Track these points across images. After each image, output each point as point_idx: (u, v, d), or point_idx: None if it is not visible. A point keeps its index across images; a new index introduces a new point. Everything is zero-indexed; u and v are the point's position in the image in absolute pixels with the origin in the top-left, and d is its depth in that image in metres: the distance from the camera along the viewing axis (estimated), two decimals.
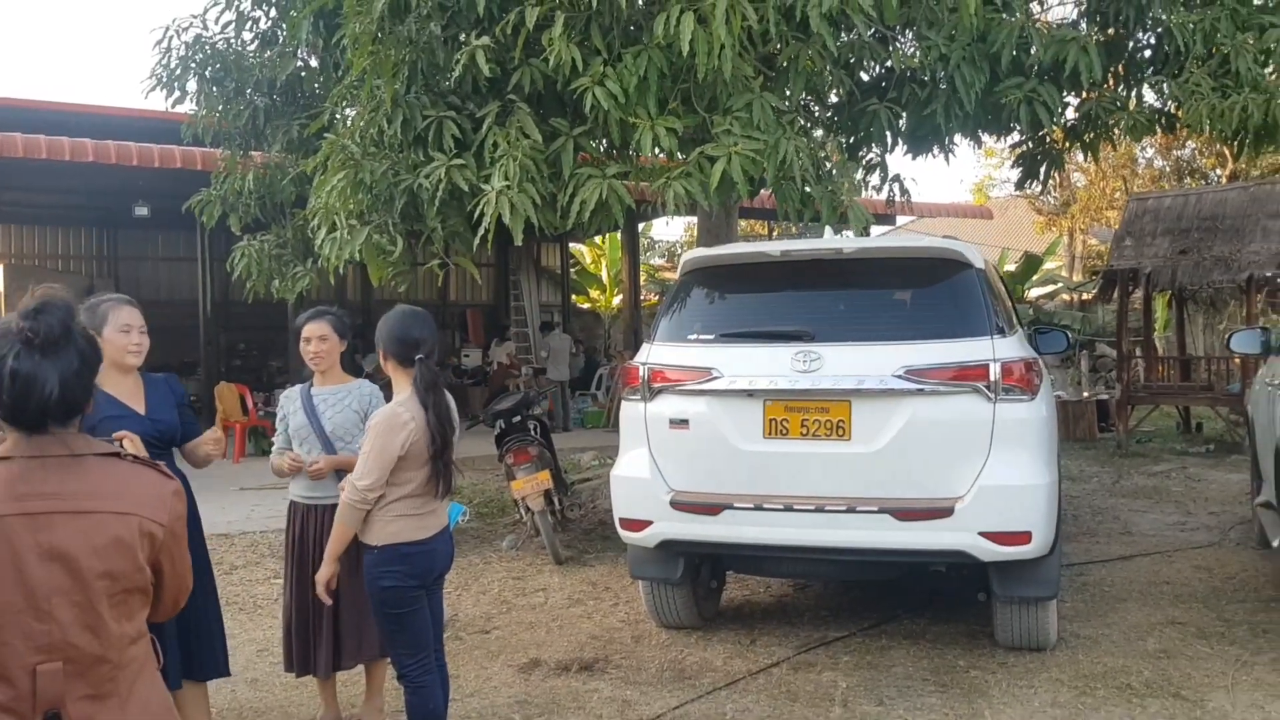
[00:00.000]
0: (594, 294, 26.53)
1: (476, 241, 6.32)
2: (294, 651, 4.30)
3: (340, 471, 4.21)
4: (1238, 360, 13.35)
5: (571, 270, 22.93)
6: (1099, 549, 7.49)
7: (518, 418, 8.34)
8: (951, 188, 48.39)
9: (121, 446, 2.49)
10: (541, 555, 7.68)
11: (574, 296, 23.47)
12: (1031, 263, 24.23)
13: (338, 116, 7.41)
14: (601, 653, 5.43)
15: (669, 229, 52.12)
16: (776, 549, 4.93)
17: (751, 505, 4.82)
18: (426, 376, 3.69)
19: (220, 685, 4.74)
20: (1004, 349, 4.71)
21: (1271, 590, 6.09)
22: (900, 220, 20.23)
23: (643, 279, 23.53)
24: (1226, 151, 21.10)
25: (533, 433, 8.34)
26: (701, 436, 4.98)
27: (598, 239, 24.54)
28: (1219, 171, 25.73)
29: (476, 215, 6.11)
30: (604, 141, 6.64)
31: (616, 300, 25.39)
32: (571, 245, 22.93)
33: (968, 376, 4.65)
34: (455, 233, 7.27)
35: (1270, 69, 7.46)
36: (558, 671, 5.18)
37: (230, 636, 4.45)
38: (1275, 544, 5.67)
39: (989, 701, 4.57)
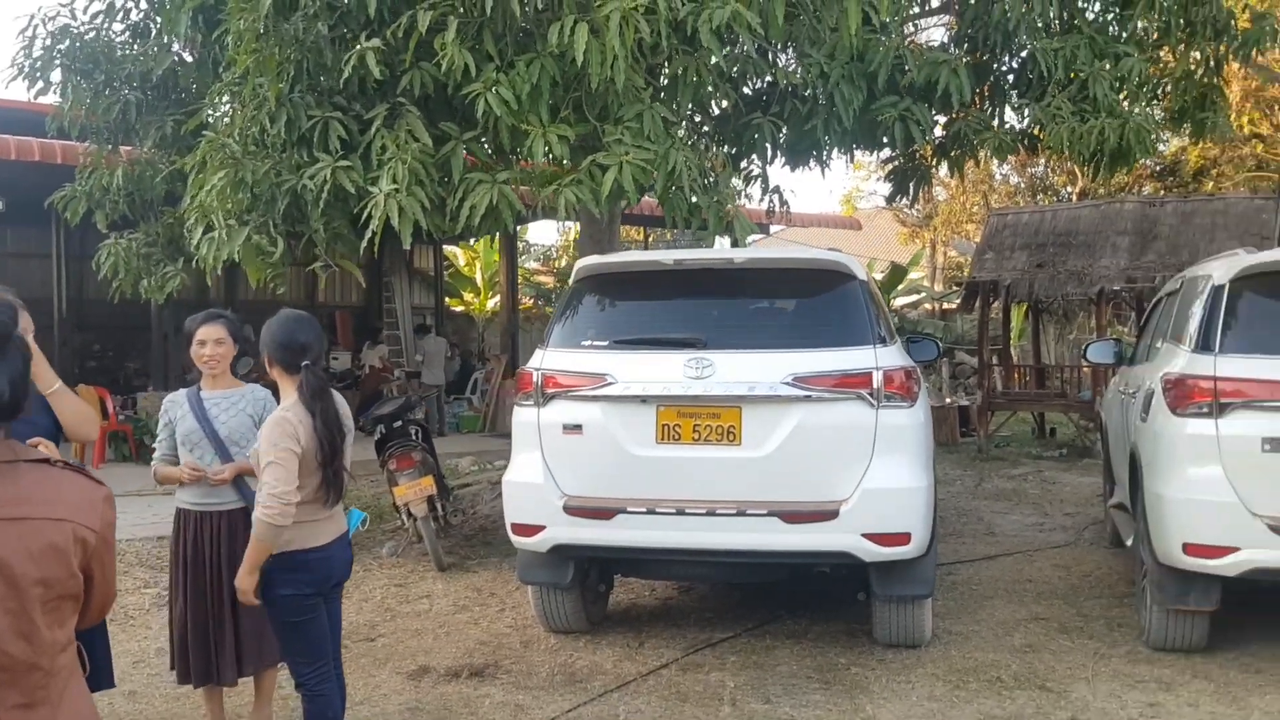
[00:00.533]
0: (468, 297, 26.29)
1: (364, 244, 6.25)
2: (192, 662, 4.19)
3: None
4: (1087, 368, 14.11)
5: (445, 273, 22.68)
6: (966, 549, 7.83)
7: (399, 422, 8.24)
8: (820, 198, 49.78)
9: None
10: (423, 562, 7.61)
11: (447, 299, 23.21)
12: (897, 273, 25.06)
13: (216, 114, 7.22)
14: (491, 658, 5.43)
15: (543, 233, 52.01)
16: (669, 552, 5.04)
17: (644, 509, 4.91)
18: (313, 383, 3.63)
19: (97, 699, 4.57)
20: (886, 358, 4.92)
21: (1124, 587, 6.48)
22: (774, 229, 20.71)
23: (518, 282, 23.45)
24: (1077, 170, 22.27)
25: (414, 438, 8.26)
26: (595, 442, 5.04)
27: (472, 241, 24.37)
28: (1069, 189, 27.09)
29: (363, 218, 6.05)
30: (493, 146, 6.64)
31: (491, 303, 25.23)
32: (445, 247, 22.68)
33: (852, 384, 4.84)
34: (338, 235, 7.18)
35: (1124, 95, 7.95)
36: (448, 678, 5.16)
37: None
38: (1128, 542, 6.03)
39: (870, 697, 4.75)
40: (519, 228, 22.67)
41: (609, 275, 5.56)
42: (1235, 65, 9.51)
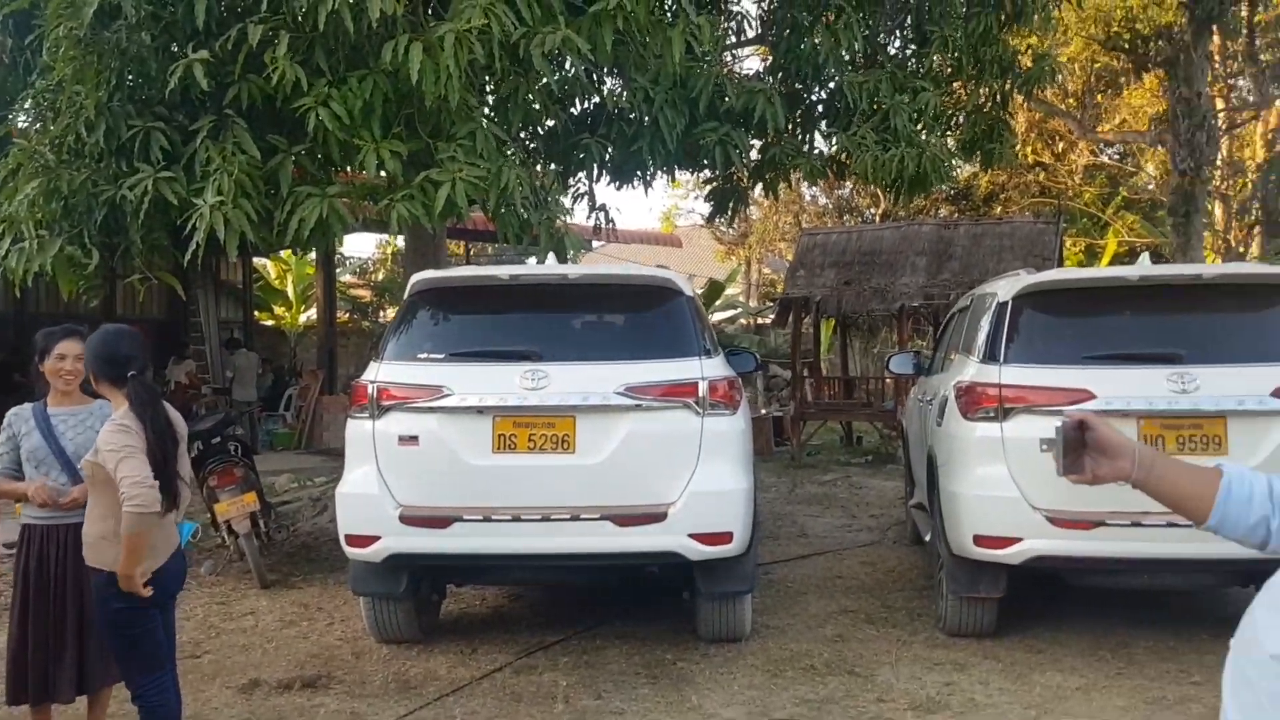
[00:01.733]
0: (279, 310, 25.53)
1: (187, 257, 6.15)
2: (30, 680, 4.05)
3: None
4: (891, 380, 15.00)
5: (255, 285, 21.96)
6: (781, 550, 8.26)
7: (217, 438, 8.07)
8: (641, 215, 50.75)
9: None
10: (245, 579, 7.49)
11: (257, 313, 22.48)
12: (715, 288, 25.81)
13: (27, 122, 6.95)
14: (323, 669, 5.44)
15: (360, 245, 50.86)
16: (505, 558, 5.20)
17: (481, 517, 5.04)
18: (142, 393, 3.64)
19: None
20: (710, 369, 5.23)
21: (924, 580, 7.01)
22: (595, 245, 21.03)
23: None
24: (880, 193, 23.56)
25: (234, 454, 8.10)
26: (431, 452, 5.15)
27: (283, 253, 23.70)
28: (873, 210, 28.54)
29: (187, 230, 5.97)
30: (323, 160, 6.64)
31: (304, 317, 24.61)
32: (255, 259, 21.98)
33: (680, 393, 5.13)
34: (157, 247, 7.02)
35: (922, 126, 8.60)
36: (280, 690, 5.15)
37: None
38: (927, 539, 6.54)
39: (695, 688, 5.03)
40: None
41: (445, 289, 5.68)
42: (1020, 100, 10.36)
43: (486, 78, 6.43)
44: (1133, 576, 5.44)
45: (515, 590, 6.95)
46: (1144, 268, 5.84)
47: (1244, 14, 17.77)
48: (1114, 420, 5.01)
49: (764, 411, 16.69)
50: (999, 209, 25.77)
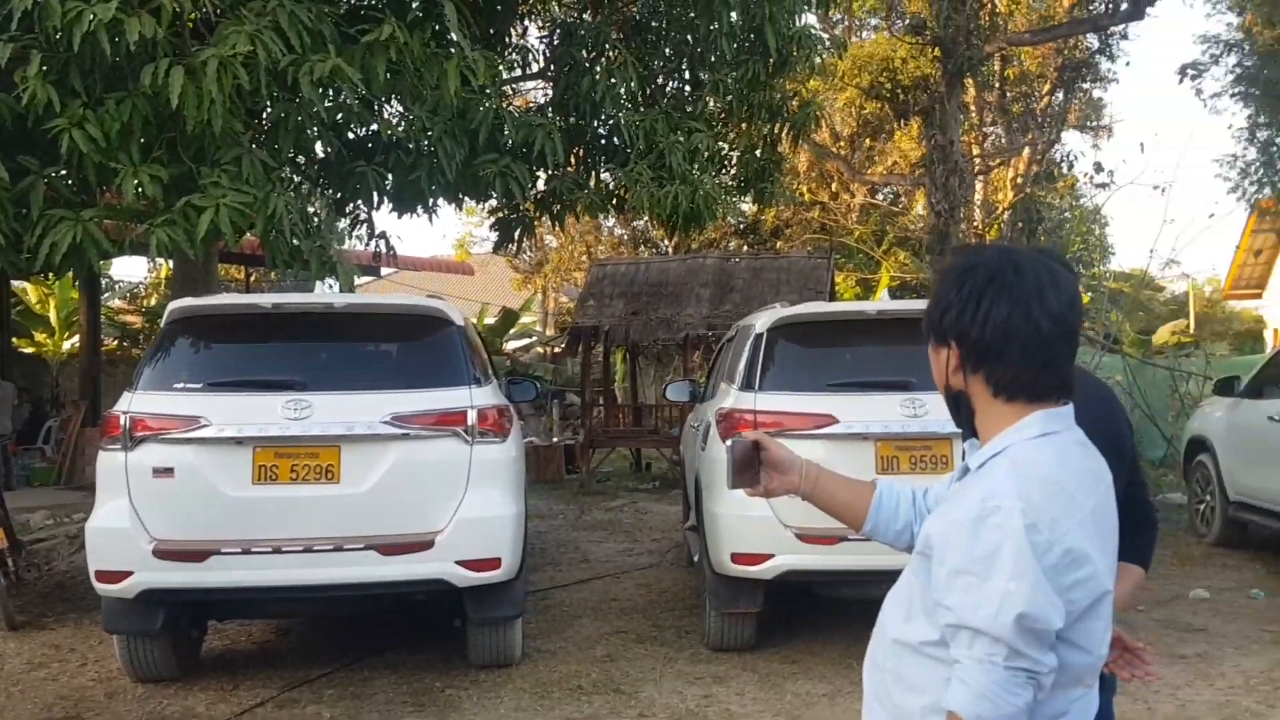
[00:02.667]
0: (40, 337, 23.88)
1: None
2: None
3: None
4: (682, 407, 15.44)
5: (12, 310, 20.49)
6: (561, 575, 8.39)
7: None
8: (435, 242, 50.24)
9: None
10: None
11: (15, 340, 20.96)
12: (509, 317, 25.86)
13: None
14: (73, 711, 5.20)
15: (131, 269, 48.26)
16: (266, 590, 5.11)
17: (239, 550, 4.95)
18: None
19: None
20: (480, 397, 5.33)
21: (694, 599, 7.28)
22: (385, 272, 20.76)
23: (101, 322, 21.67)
24: (649, 216, 24.24)
25: None
26: (187, 484, 5.02)
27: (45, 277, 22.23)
28: (667, 242, 29.28)
29: None
30: (77, 183, 6.38)
31: (68, 345, 23.15)
32: (14, 282, 20.53)
33: (448, 422, 5.20)
34: None
35: (696, 165, 8.99)
36: None
37: None
38: (696, 559, 6.82)
39: (461, 714, 5.09)
40: (101, 264, 21.05)
41: (203, 317, 5.56)
42: (788, 143, 10.95)
43: (254, 102, 6.33)
44: (875, 587, 5.82)
45: (283, 624, 6.80)
46: (882, 303, 6.32)
47: (997, 67, 19.35)
48: (853, 442, 5.46)
49: (555, 440, 16.85)
50: (783, 244, 26.97)
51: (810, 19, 13.06)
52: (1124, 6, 14.63)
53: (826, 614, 6.48)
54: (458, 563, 5.13)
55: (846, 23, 21.85)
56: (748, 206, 25.05)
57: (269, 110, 6.55)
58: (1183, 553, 8.99)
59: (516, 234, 10.22)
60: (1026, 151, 19.84)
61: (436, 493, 5.19)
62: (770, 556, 5.54)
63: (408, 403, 5.19)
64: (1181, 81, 16.49)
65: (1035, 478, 1.63)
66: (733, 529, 5.65)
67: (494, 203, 9.88)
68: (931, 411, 5.44)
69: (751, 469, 2.04)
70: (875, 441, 5.52)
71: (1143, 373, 15.73)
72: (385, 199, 8.54)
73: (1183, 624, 6.60)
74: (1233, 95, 15.99)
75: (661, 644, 6.31)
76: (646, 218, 27.79)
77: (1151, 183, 44.25)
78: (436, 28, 7.07)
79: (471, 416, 5.25)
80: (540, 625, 6.71)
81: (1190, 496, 10.21)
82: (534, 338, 29.54)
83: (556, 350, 27.22)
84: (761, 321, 6.14)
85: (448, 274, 24.68)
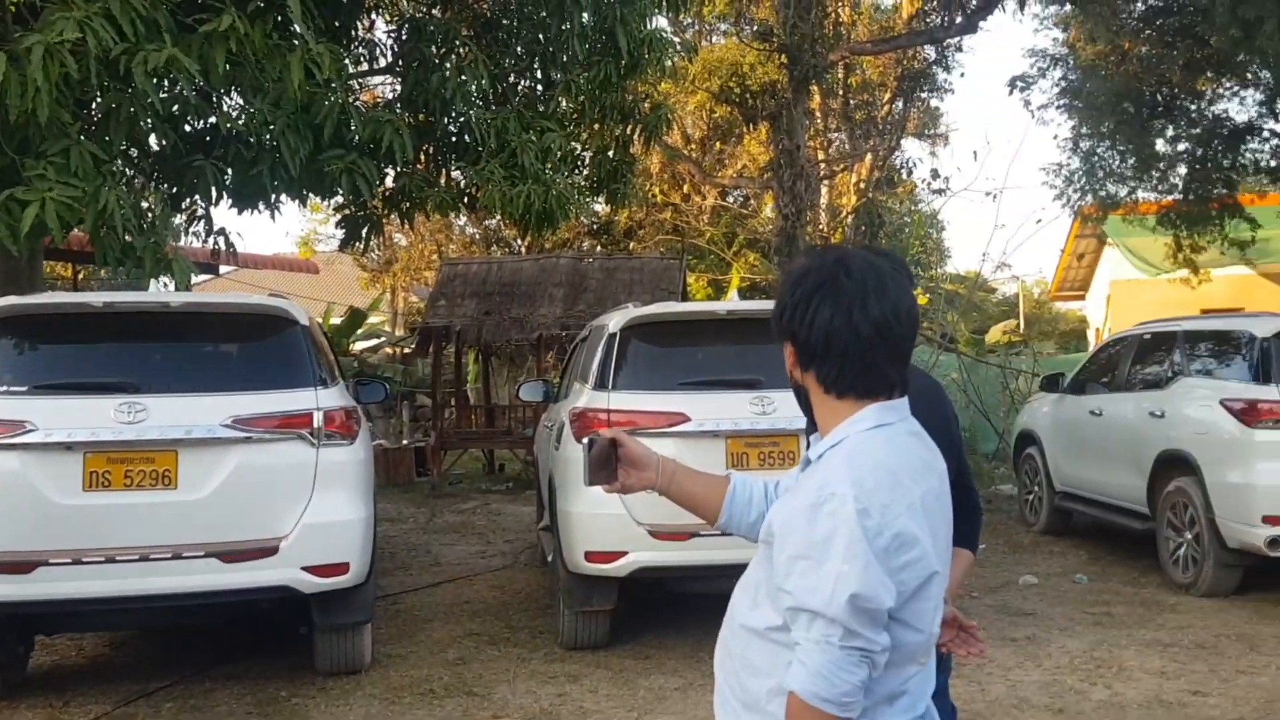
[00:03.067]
0: None
1: None
2: None
3: None
4: (535, 408, 15.39)
5: None
6: (412, 580, 8.26)
7: None
8: (277, 240, 48.65)
9: None
10: None
11: None
12: (356, 317, 25.24)
13: None
14: None
15: None
16: (99, 602, 4.87)
17: (70, 560, 4.71)
18: None
19: None
20: (326, 399, 5.20)
21: (547, 600, 7.28)
22: (225, 270, 20.00)
23: None
24: (501, 216, 24.10)
25: None
26: (12, 492, 4.75)
27: None
28: (520, 241, 29.13)
29: None
30: None
31: None
32: None
33: (293, 424, 5.06)
34: None
35: (549, 165, 8.97)
36: None
37: None
38: (550, 559, 6.82)
39: None
40: None
41: (30, 317, 5.26)
42: (640, 145, 11.05)
43: (83, 92, 6.03)
44: (726, 581, 5.94)
45: (116, 637, 6.50)
46: (731, 304, 6.45)
47: (841, 75, 19.95)
48: (705, 440, 5.56)
49: (405, 442, 16.57)
50: (636, 245, 27.16)
51: (661, 22, 13.26)
52: (958, 20, 15.29)
53: (678, 610, 6.57)
54: (304, 569, 5.00)
55: (697, 27, 22.22)
56: (601, 207, 25.24)
57: (99, 101, 6.23)
58: (1013, 541, 9.48)
59: (364, 232, 10.01)
60: (869, 157, 20.53)
61: (281, 497, 5.04)
62: (624, 554, 5.59)
63: (250, 405, 5.03)
64: (1011, 93, 17.22)
65: (868, 467, 1.71)
66: (587, 527, 5.68)
67: (340, 200, 9.67)
68: (780, 409, 5.58)
69: (608, 466, 2.07)
70: (726, 438, 5.63)
71: (976, 370, 16.50)
72: (225, 195, 8.23)
73: (1013, 608, 6.95)
74: (1058, 107, 16.78)
75: (515, 645, 6.29)
76: (499, 217, 27.69)
77: (984, 189, 46.44)
78: (279, 19, 6.86)
79: (317, 419, 5.12)
80: (390, 630, 6.60)
81: (1020, 488, 10.76)
82: (383, 338, 28.91)
83: (406, 351, 26.73)
84: (614, 322, 6.19)
85: (292, 272, 23.95)
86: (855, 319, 1.76)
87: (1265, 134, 16.52)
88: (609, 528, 5.61)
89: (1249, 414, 6.94)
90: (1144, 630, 6.37)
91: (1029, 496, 10.34)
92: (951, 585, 2.60)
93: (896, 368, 1.83)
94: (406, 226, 19.61)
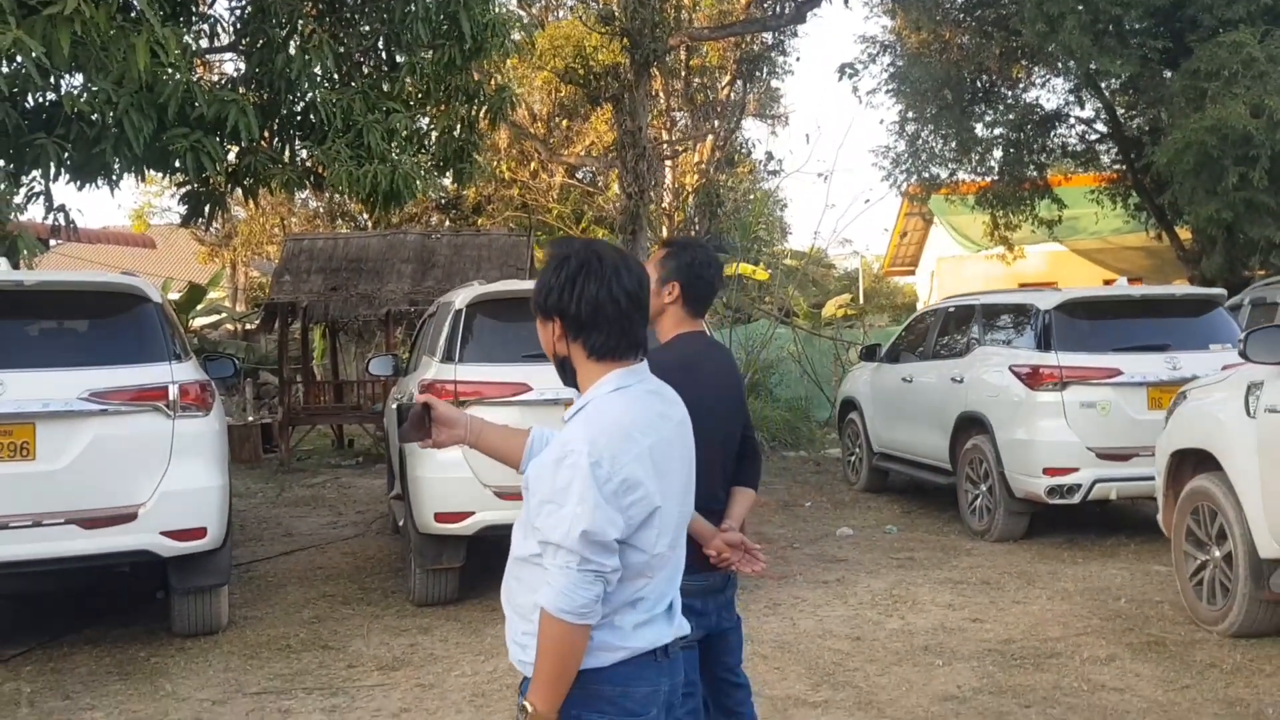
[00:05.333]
0: None
1: None
2: None
3: None
4: (384, 383, 15.53)
5: None
6: (264, 549, 8.47)
7: None
8: (110, 213, 46.66)
9: None
10: None
11: None
12: (195, 293, 24.66)
13: None
14: None
15: None
16: None
17: None
18: None
19: None
20: (181, 373, 5.45)
21: (400, 563, 7.62)
22: (53, 244, 19.30)
23: None
24: (347, 194, 23.90)
25: None
26: None
27: None
28: (366, 215, 28.84)
29: None
30: None
31: None
32: None
33: (149, 397, 5.29)
34: None
35: (395, 145, 9.21)
36: None
37: None
38: (401, 524, 7.17)
39: (169, 678, 5.23)
40: None
41: None
42: (486, 125, 11.35)
43: None
44: None
45: None
46: None
47: (682, 57, 20.54)
48: (546, 406, 6.01)
49: (250, 419, 16.47)
50: (485, 220, 27.29)
51: (511, 4, 13.54)
52: (788, 10, 16.06)
53: None
54: (162, 533, 5.26)
55: (543, 1, 22.48)
56: (450, 183, 25.26)
57: None
58: (835, 498, 10.29)
59: (206, 209, 10.04)
60: (710, 138, 21.23)
61: (139, 466, 5.28)
62: (471, 514, 6.02)
63: (106, 379, 5.23)
64: (841, 79, 18.15)
65: (602, 424, 2.14)
66: (436, 490, 6.08)
67: (181, 176, 9.67)
68: None
69: (422, 426, 2.46)
70: (565, 405, 6.08)
71: (811, 343, 17.44)
72: (66, 171, 8.22)
73: (829, 556, 7.67)
74: (886, 92, 17.76)
75: (368, 604, 6.65)
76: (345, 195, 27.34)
77: (816, 171, 48.02)
78: (123, 1, 6.94)
79: (173, 392, 5.37)
80: (245, 595, 6.86)
81: (843, 450, 11.61)
82: (223, 314, 28.29)
83: (248, 327, 26.26)
84: (461, 298, 6.57)
85: (126, 246, 23.18)
86: (614, 291, 2.20)
87: (1072, 120, 17.92)
88: (457, 490, 6.02)
89: (1032, 378, 7.81)
90: (940, 571, 7.16)
91: (850, 458, 11.18)
92: (736, 515, 3.15)
93: (643, 332, 2.29)
94: (246, 204, 19.34)
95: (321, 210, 30.48)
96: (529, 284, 8.70)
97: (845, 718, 4.56)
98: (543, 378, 6.11)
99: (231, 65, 12.27)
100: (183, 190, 10.05)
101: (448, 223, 26.50)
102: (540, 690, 2.11)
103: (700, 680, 3.03)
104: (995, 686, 4.88)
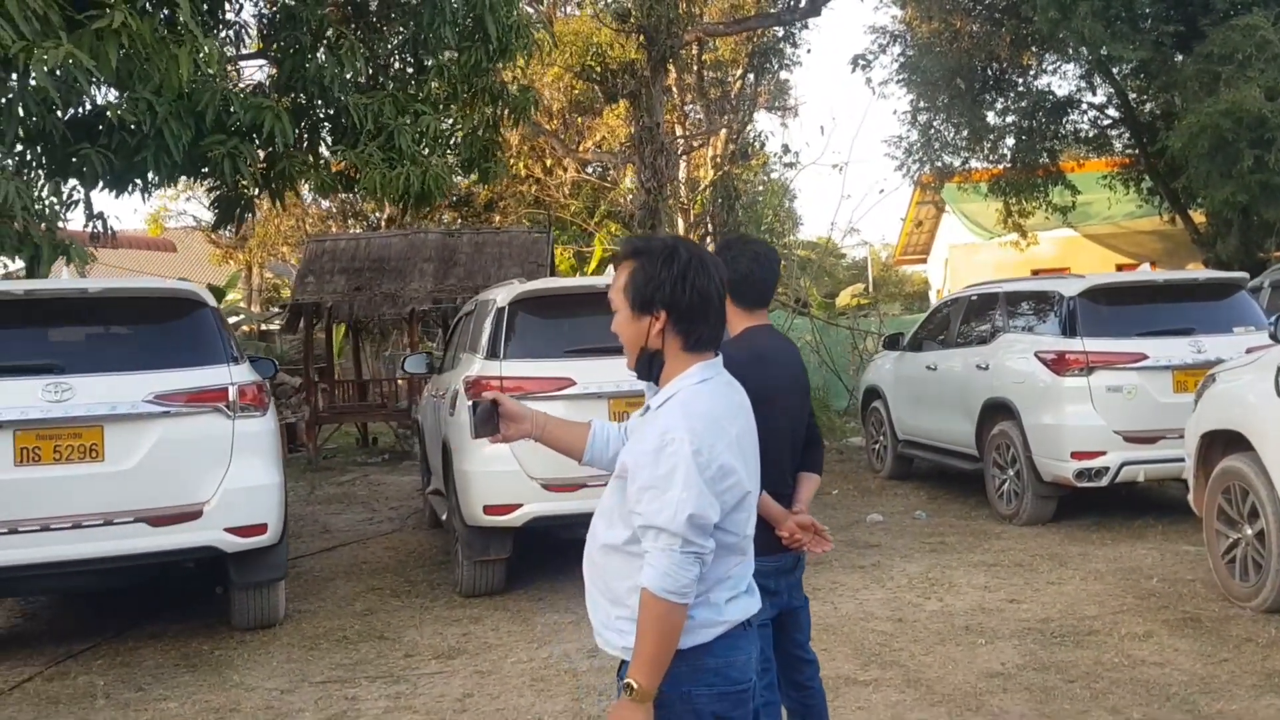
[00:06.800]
0: None
1: None
2: None
3: None
4: (404, 380, 15.72)
5: None
6: (305, 546, 8.65)
7: None
8: (126, 216, 46.94)
9: None
10: None
11: None
12: (214, 294, 24.84)
13: None
14: None
15: None
16: (35, 567, 5.21)
17: (5, 530, 5.05)
18: None
19: None
20: (239, 374, 5.63)
21: (442, 556, 7.81)
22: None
23: None
24: (381, 196, 24.03)
25: None
26: None
27: None
28: (379, 214, 29.00)
29: None
30: None
31: None
32: None
33: (210, 398, 5.48)
34: None
35: (424, 146, 9.37)
36: None
37: None
38: (444, 518, 7.35)
39: (235, 669, 5.42)
40: None
41: None
42: (510, 124, 11.50)
43: None
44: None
45: (26, 607, 6.77)
46: (609, 277, 7.05)
47: (695, 52, 20.65)
48: (590, 400, 6.17)
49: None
50: (498, 217, 27.42)
51: (522, 3, 13.64)
52: (803, 3, 16.17)
53: (566, 557, 7.19)
54: (226, 530, 5.45)
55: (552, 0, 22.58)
56: (460, 179, 25.31)
57: None
58: (861, 486, 10.43)
59: (237, 213, 10.21)
60: (724, 132, 21.35)
61: (202, 465, 5.46)
62: (519, 506, 6.19)
63: (169, 382, 5.42)
64: (854, 70, 18.25)
65: (698, 414, 2.26)
66: (484, 483, 6.24)
67: (211, 181, 9.82)
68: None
69: (491, 422, 2.59)
70: (608, 399, 6.25)
71: (828, 333, 17.56)
72: (106, 180, 8.39)
73: (862, 542, 7.82)
74: (898, 82, 17.87)
75: (416, 596, 6.82)
76: (380, 196, 27.46)
77: (830, 162, 48.22)
78: (166, 13, 7.11)
79: (232, 393, 5.55)
80: (295, 589, 7.03)
81: (867, 439, 11.75)
82: (241, 316, 28.52)
83: (266, 328, 26.46)
84: (502, 296, 6.73)
85: (149, 251, 23.45)
86: (718, 285, 2.35)
87: (1084, 106, 18.00)
88: (505, 483, 6.19)
89: (1058, 364, 7.94)
90: (973, 554, 7.31)
91: (875, 446, 11.32)
92: (804, 499, 3.31)
93: (724, 327, 2.43)
94: (274, 208, 19.48)
95: (334, 210, 30.64)
96: (570, 282, 8.87)
97: (896, 695, 4.71)
98: (586, 372, 6.29)
99: (260, 71, 12.42)
100: (214, 195, 10.23)
101: (459, 220, 26.61)
102: (644, 668, 2.22)
103: (773, 656, 3.20)
104: (1038, 663, 5.03)
